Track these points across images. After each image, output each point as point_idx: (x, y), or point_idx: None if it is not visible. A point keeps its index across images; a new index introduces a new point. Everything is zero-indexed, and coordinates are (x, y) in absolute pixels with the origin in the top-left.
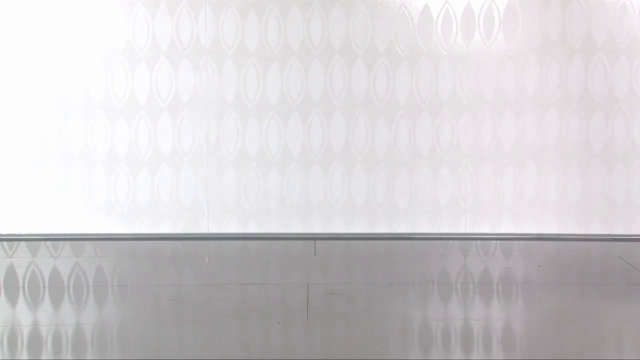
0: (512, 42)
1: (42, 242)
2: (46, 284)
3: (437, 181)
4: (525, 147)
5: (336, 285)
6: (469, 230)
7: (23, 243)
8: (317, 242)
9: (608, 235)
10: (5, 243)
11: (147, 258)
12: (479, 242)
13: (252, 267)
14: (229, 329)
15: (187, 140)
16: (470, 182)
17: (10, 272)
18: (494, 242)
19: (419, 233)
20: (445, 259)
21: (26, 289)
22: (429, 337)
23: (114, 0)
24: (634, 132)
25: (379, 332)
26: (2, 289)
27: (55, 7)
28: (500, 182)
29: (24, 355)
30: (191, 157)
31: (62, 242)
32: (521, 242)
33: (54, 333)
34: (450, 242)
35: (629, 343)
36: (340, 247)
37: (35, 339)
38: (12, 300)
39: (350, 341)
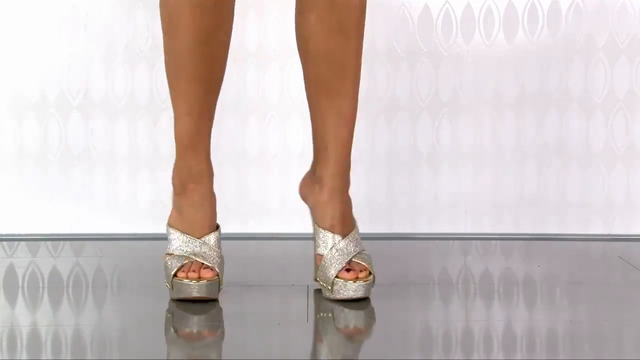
0: (512, 42)
1: (42, 242)
2: (46, 284)
3: (437, 181)
4: (525, 147)
5: None
6: (469, 230)
7: (23, 243)
8: None
9: (608, 235)
10: (5, 243)
11: (147, 258)
12: (478, 242)
13: (252, 267)
14: (229, 329)
15: None
16: (470, 182)
17: (10, 272)
18: (494, 242)
19: (419, 233)
20: (445, 259)
21: (26, 289)
22: (431, 338)
23: (114, 0)
24: (634, 132)
25: (379, 332)
26: (2, 289)
27: (55, 7)
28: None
29: (24, 356)
30: None
31: (62, 242)
32: (521, 242)
33: (53, 334)
34: (451, 242)
35: (628, 343)
36: None
37: (34, 340)
38: (12, 301)
39: (349, 342)
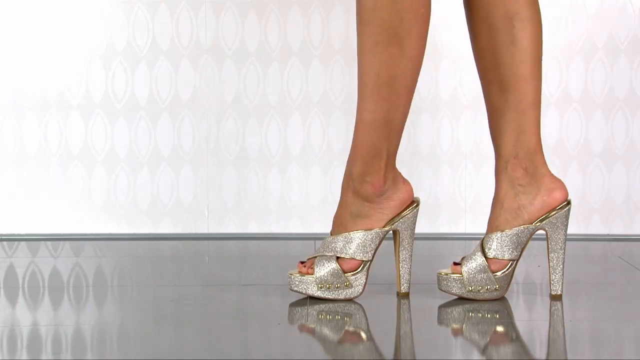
0: None
1: (42, 242)
2: (46, 284)
3: (437, 181)
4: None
5: None
6: (469, 230)
7: (23, 243)
8: (317, 242)
9: (608, 235)
10: (5, 243)
11: (147, 258)
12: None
13: (252, 267)
14: (229, 329)
15: (187, 140)
16: (470, 182)
17: (10, 272)
18: None
19: (420, 233)
20: (445, 259)
21: (26, 289)
22: (431, 338)
23: (114, 0)
24: (633, 132)
25: (379, 333)
26: (2, 289)
27: (55, 7)
28: None
29: (24, 356)
30: (191, 157)
31: (62, 242)
32: None
33: (53, 333)
34: (450, 242)
35: (629, 343)
36: None
37: (34, 340)
38: (12, 301)
39: (349, 342)
